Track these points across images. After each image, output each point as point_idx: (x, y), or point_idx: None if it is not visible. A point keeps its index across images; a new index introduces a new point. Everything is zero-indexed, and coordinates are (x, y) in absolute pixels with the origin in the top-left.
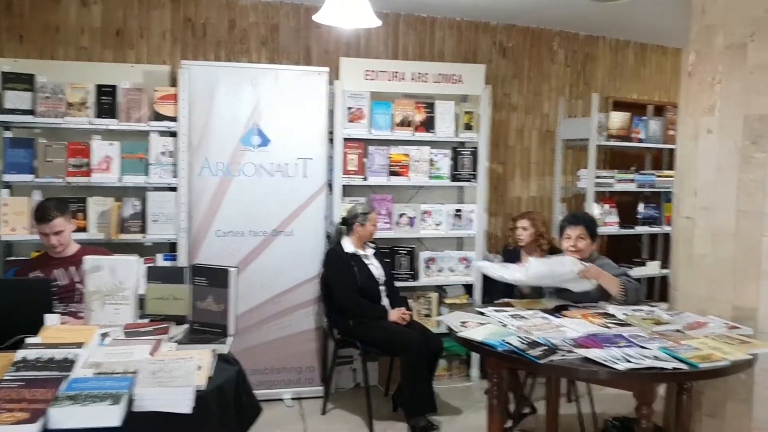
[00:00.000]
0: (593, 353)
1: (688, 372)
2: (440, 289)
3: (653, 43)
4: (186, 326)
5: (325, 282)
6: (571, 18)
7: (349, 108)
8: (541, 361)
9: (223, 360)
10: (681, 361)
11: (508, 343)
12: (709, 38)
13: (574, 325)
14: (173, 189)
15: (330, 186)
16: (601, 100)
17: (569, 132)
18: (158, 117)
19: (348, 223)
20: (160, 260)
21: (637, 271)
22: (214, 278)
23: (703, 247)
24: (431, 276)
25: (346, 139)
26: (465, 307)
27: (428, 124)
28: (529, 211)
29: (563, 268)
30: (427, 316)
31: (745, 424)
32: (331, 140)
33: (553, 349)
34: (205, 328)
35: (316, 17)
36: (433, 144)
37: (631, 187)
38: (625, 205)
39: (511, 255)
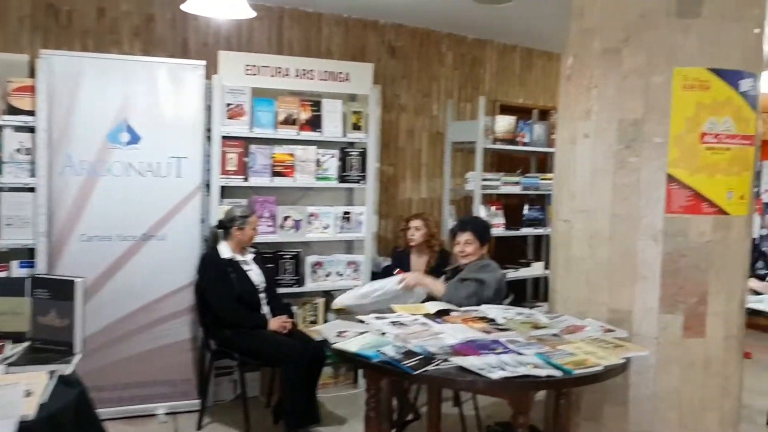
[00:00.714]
0: (469, 362)
1: (562, 379)
2: (328, 295)
3: (539, 48)
4: (26, 344)
5: (200, 289)
6: (459, 20)
7: (228, 104)
8: (416, 372)
9: (63, 382)
10: (555, 367)
11: (383, 353)
12: (586, 42)
13: (453, 331)
14: (31, 189)
15: (207, 187)
16: (489, 104)
17: (458, 134)
18: (13, 111)
19: (225, 226)
20: (16, 268)
21: (522, 272)
22: (58, 290)
23: (580, 249)
24: (318, 281)
25: (224, 137)
26: (352, 313)
27: (314, 123)
28: (421, 212)
29: (389, 285)
30: (314, 323)
31: (622, 427)
32: (209, 138)
33: (429, 359)
34: (47, 347)
35: (185, 6)
36: (319, 144)
37: (517, 189)
38: (511, 207)
39: (401, 257)
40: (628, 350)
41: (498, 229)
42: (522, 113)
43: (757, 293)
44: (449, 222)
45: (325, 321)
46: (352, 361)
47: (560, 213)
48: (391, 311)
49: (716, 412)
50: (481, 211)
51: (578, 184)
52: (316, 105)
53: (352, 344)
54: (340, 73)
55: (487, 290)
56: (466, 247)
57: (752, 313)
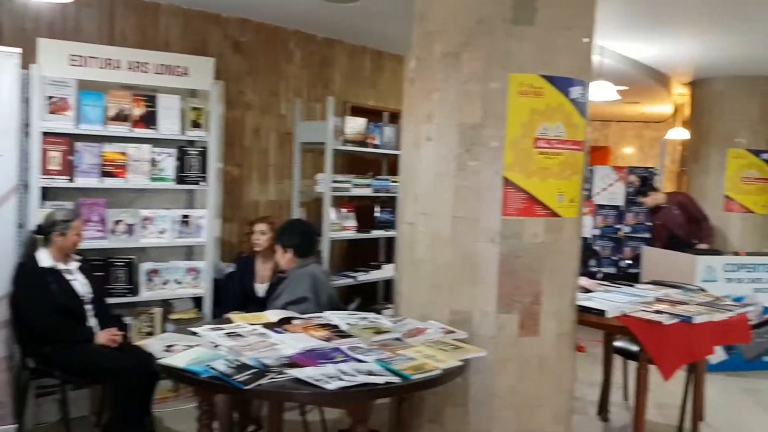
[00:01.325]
0: (305, 372)
1: (400, 386)
2: (166, 304)
3: (389, 51)
4: None
5: (14, 302)
6: (308, 18)
7: (50, 97)
8: (248, 387)
9: None
10: (394, 373)
11: (212, 368)
12: (428, 45)
13: (292, 341)
14: None
15: (26, 188)
16: (339, 105)
17: (307, 135)
18: None
19: (45, 232)
20: None
21: (373, 274)
22: None
23: (423, 252)
24: (154, 290)
25: (45, 134)
26: (193, 323)
27: (149, 120)
28: (267, 216)
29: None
30: (150, 334)
31: (462, 428)
32: (27, 134)
33: (263, 372)
34: None
35: None
36: (155, 142)
37: (368, 191)
38: (363, 209)
39: (246, 263)
40: (466, 352)
41: (350, 232)
42: (373, 115)
43: (587, 290)
44: None
45: (164, 332)
46: (179, 378)
47: (405, 215)
48: (229, 321)
49: (550, 408)
50: (331, 214)
51: (421, 187)
52: (151, 100)
53: (179, 359)
54: (178, 66)
55: (309, 303)
56: (281, 260)
57: (582, 309)
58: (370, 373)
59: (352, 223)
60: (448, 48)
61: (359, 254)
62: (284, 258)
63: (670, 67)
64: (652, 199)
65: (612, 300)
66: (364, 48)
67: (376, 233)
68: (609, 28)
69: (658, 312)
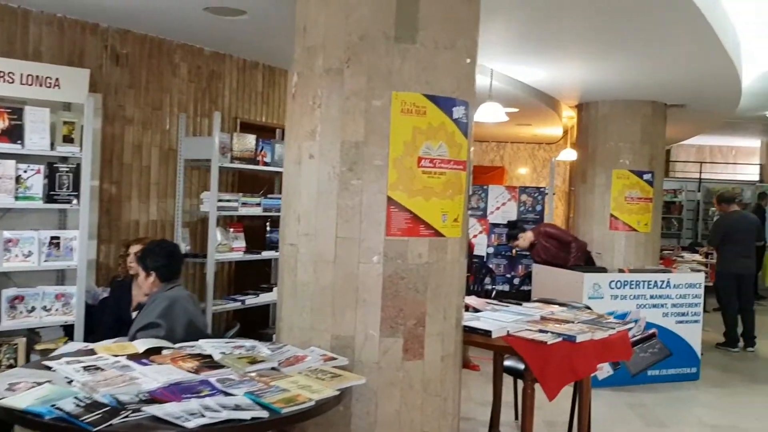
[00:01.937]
0: (165, 409)
1: (269, 420)
2: (32, 334)
3: (282, 66)
4: None
5: None
6: (194, 31)
7: None
8: (97, 428)
9: None
10: (264, 407)
11: (59, 408)
12: (310, 60)
13: (156, 374)
14: None
15: None
16: (230, 121)
17: (192, 151)
18: None
19: None
20: None
21: (263, 297)
22: None
23: (305, 274)
24: (19, 318)
25: None
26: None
27: (14, 134)
28: (144, 237)
29: None
30: (11, 367)
31: None
32: None
33: (117, 410)
34: None
35: None
36: (21, 158)
37: (258, 211)
38: (254, 229)
39: (121, 287)
40: (344, 380)
41: (237, 253)
42: (265, 132)
43: (476, 310)
44: (182, 246)
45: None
46: (21, 421)
47: (286, 236)
48: (93, 352)
49: None
50: (217, 234)
51: (303, 206)
52: (17, 113)
53: (21, 399)
54: (49, 78)
55: (160, 330)
56: (143, 284)
57: (469, 330)
58: (237, 408)
59: (240, 243)
60: (330, 64)
61: (248, 276)
62: (147, 282)
63: (557, 91)
64: (523, 240)
65: (498, 320)
66: (255, 63)
67: (266, 254)
68: (498, 51)
69: (542, 331)
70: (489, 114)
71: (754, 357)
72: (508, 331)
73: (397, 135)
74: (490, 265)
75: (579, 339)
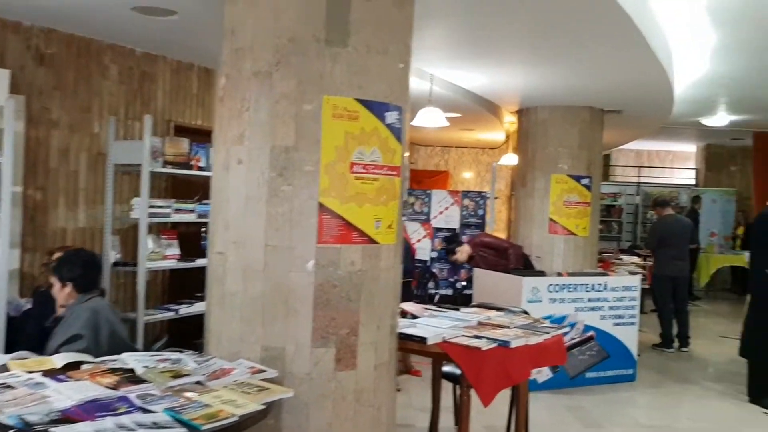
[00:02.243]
0: (76, 429)
1: None
2: None
3: (218, 68)
4: None
5: None
6: (124, 31)
7: None
8: None
9: None
10: (183, 424)
11: None
12: (238, 63)
13: (71, 391)
14: None
15: None
16: (163, 124)
17: (122, 156)
18: None
19: None
20: None
21: (197, 307)
22: None
23: (234, 284)
24: None
25: None
26: None
27: None
28: (70, 245)
29: None
30: None
31: None
32: None
33: (23, 431)
34: None
35: None
36: None
37: (192, 217)
38: (189, 236)
39: (45, 297)
40: (271, 393)
41: (170, 261)
42: (201, 135)
43: (414, 316)
44: (111, 254)
45: None
46: None
47: (215, 244)
48: (6, 368)
49: None
50: (148, 242)
51: (232, 213)
52: None
53: None
54: None
55: (84, 342)
56: (58, 295)
57: (404, 337)
58: (155, 426)
59: (174, 251)
60: (259, 66)
61: (183, 285)
62: (62, 293)
63: (498, 96)
64: (461, 254)
65: (435, 326)
66: (190, 65)
67: (201, 262)
68: (437, 56)
69: (477, 337)
70: (429, 119)
71: (688, 357)
72: (443, 338)
73: (328, 140)
74: (434, 270)
75: (513, 344)
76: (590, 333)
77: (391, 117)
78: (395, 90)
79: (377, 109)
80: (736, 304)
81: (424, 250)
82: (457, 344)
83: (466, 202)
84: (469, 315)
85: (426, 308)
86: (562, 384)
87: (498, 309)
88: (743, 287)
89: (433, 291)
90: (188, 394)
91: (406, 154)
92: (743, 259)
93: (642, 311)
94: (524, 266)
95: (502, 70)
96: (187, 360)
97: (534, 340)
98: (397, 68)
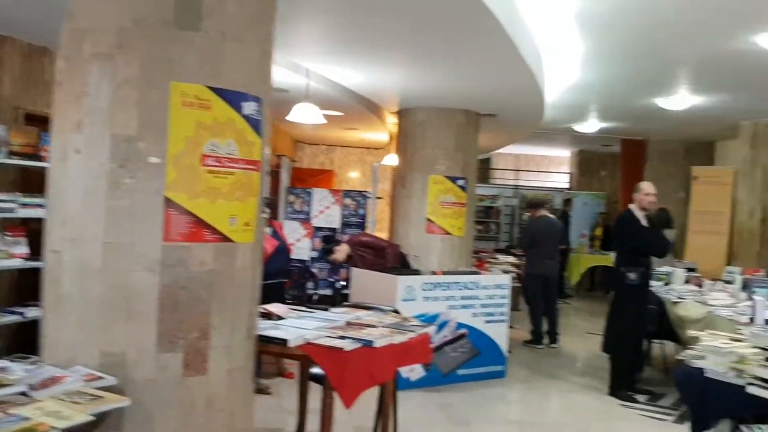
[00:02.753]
0: None
1: None
2: None
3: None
4: None
5: None
6: None
7: None
8: None
9: None
10: None
11: None
12: (78, 44)
13: None
14: None
15: None
16: (9, 112)
17: None
18: None
19: None
20: None
21: None
22: None
23: (71, 285)
24: None
25: None
26: None
27: None
28: None
29: None
30: None
31: None
32: None
33: None
34: None
35: None
36: None
37: (41, 212)
38: (41, 234)
39: None
40: (104, 402)
41: (17, 260)
42: None
43: (279, 318)
44: None
45: None
46: None
47: (50, 242)
48: None
49: None
50: None
51: (69, 208)
52: None
53: None
54: None
55: None
56: None
57: (265, 339)
58: None
59: (22, 249)
60: (100, 48)
61: (32, 286)
62: None
63: (377, 96)
64: (339, 253)
65: (301, 327)
66: (43, 49)
67: None
68: (312, 51)
69: (342, 337)
70: (305, 115)
71: (557, 353)
72: (306, 339)
73: (176, 130)
74: (313, 270)
75: (377, 344)
76: (462, 330)
77: (249, 108)
78: (253, 80)
79: (233, 98)
80: (603, 302)
81: (304, 250)
82: (319, 345)
83: (348, 201)
84: (337, 315)
85: (293, 309)
86: (435, 382)
87: (368, 308)
88: (609, 286)
89: (312, 291)
90: (4, 407)
91: (268, 149)
92: (610, 259)
93: (515, 308)
94: (402, 265)
95: (379, 69)
96: (15, 368)
97: (399, 338)
98: (256, 57)
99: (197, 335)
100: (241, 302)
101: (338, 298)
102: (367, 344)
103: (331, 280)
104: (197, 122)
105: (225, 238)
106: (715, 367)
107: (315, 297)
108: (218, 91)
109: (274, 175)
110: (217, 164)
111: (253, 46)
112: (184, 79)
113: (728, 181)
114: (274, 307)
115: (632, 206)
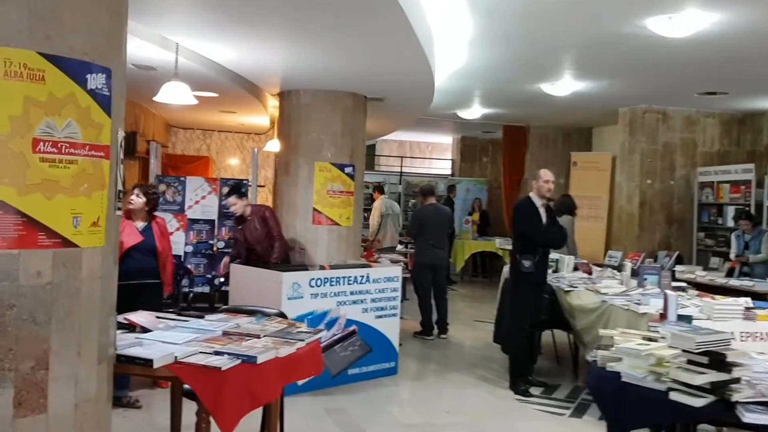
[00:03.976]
0: None
1: None
2: None
3: None
4: None
5: None
6: None
7: None
8: None
9: None
10: None
11: None
12: None
13: None
14: None
15: None
16: None
17: None
18: None
19: None
20: None
21: None
22: None
23: None
24: None
25: None
26: None
27: None
28: None
29: None
30: None
31: None
32: None
33: None
34: None
35: None
36: None
37: None
38: None
39: None
40: None
41: None
42: None
43: (144, 330)
44: None
45: None
46: None
47: None
48: None
49: None
50: None
51: None
52: None
53: None
54: None
55: None
56: None
57: (125, 360)
58: None
59: None
60: None
61: None
62: None
63: (256, 75)
64: (238, 207)
65: (168, 341)
66: None
67: None
68: (182, 22)
69: (217, 353)
70: (174, 94)
71: (447, 344)
72: (175, 357)
73: None
74: (189, 266)
75: (261, 359)
76: (352, 327)
77: (96, 81)
78: (101, 47)
79: (74, 69)
80: (487, 287)
81: (178, 244)
82: (191, 365)
83: (225, 190)
84: (214, 324)
85: (161, 318)
86: (324, 384)
87: (250, 313)
88: (487, 271)
89: (187, 289)
90: None
91: (121, 132)
92: (494, 244)
93: (404, 298)
94: (284, 262)
95: (257, 44)
96: None
97: (285, 351)
98: (105, 18)
99: (32, 365)
100: (90, 319)
101: (216, 297)
102: (248, 360)
103: (209, 276)
104: (26, 98)
105: (67, 242)
106: (632, 371)
107: (191, 295)
108: (54, 60)
109: (144, 162)
110: (54, 151)
111: (101, 5)
112: (8, 43)
113: (607, 166)
114: (138, 317)
115: (531, 194)
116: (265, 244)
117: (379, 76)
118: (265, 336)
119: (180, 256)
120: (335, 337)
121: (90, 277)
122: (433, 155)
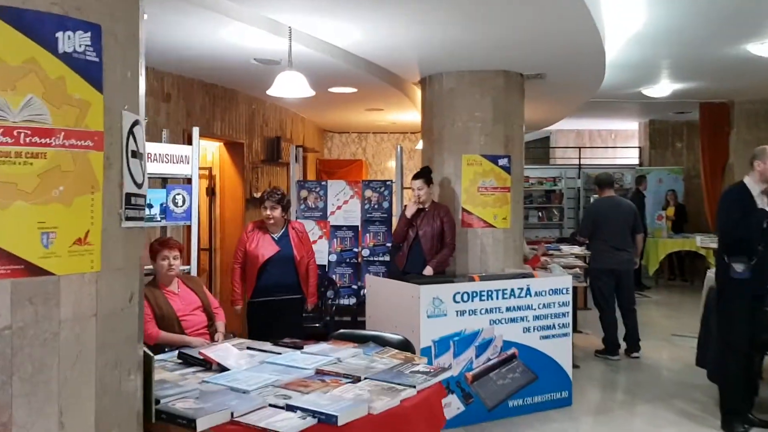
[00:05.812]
0: None
1: None
2: None
3: None
4: None
5: None
6: None
7: None
8: None
9: None
10: None
11: None
12: None
13: None
14: None
15: None
16: None
17: None
18: None
19: None
20: None
21: None
22: None
23: None
24: None
25: None
26: None
27: None
28: None
29: None
30: None
31: None
32: None
33: None
34: None
35: None
36: None
37: None
38: None
39: None
40: None
41: None
42: None
43: (223, 369)
44: None
45: None
46: None
47: None
48: None
49: None
50: None
51: None
52: None
53: None
54: None
55: None
56: None
57: (166, 418)
58: None
59: None
60: None
61: None
62: None
63: (390, 61)
64: (426, 193)
65: (241, 387)
66: None
67: None
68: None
69: (290, 407)
70: (288, 87)
71: (638, 365)
72: (232, 414)
73: None
74: (333, 276)
75: (343, 419)
76: (512, 350)
77: (71, 42)
78: None
79: (33, 24)
80: (687, 292)
81: (322, 253)
82: (247, 427)
83: (368, 193)
84: (311, 358)
85: (249, 349)
86: (478, 418)
87: (363, 340)
88: (687, 274)
89: (331, 302)
90: None
91: (133, 115)
92: (694, 243)
93: (583, 307)
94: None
95: (384, 18)
96: None
97: (382, 404)
98: None
99: None
100: (75, 377)
101: (357, 310)
102: (326, 420)
103: (355, 287)
104: None
105: (32, 269)
106: None
107: (333, 308)
108: (9, 12)
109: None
110: (7, 140)
111: None
112: None
113: None
114: (216, 351)
115: (747, 178)
116: (433, 243)
117: (536, 48)
118: (366, 378)
119: (324, 266)
120: (490, 363)
121: (76, 316)
122: (617, 144)
